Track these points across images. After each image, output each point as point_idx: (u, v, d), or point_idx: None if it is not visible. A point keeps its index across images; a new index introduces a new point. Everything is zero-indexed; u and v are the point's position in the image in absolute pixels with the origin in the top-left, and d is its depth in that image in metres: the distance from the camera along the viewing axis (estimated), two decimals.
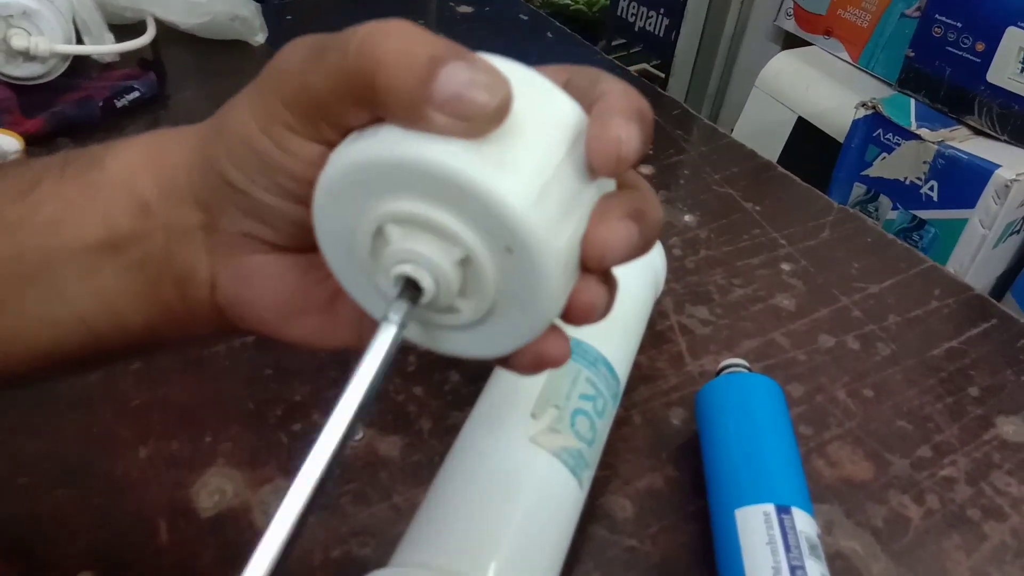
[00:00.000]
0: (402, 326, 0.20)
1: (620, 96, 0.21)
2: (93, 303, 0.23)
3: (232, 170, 0.22)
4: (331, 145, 0.21)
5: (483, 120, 0.18)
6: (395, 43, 0.19)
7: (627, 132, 0.20)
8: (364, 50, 0.19)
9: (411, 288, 0.20)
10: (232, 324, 0.25)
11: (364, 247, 0.21)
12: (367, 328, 0.23)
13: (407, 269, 0.20)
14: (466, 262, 0.20)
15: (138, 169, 0.23)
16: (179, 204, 0.23)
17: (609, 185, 0.22)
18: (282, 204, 0.22)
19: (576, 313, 0.22)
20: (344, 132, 0.20)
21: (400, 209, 0.19)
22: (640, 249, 0.21)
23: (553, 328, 0.22)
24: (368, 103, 0.19)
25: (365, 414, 0.19)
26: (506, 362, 0.23)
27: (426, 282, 0.20)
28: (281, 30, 0.72)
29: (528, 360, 0.22)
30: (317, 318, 0.24)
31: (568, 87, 0.21)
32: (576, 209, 0.20)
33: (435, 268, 0.20)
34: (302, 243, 0.23)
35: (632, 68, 1.64)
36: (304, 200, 0.21)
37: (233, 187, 0.22)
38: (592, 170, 0.20)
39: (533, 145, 0.20)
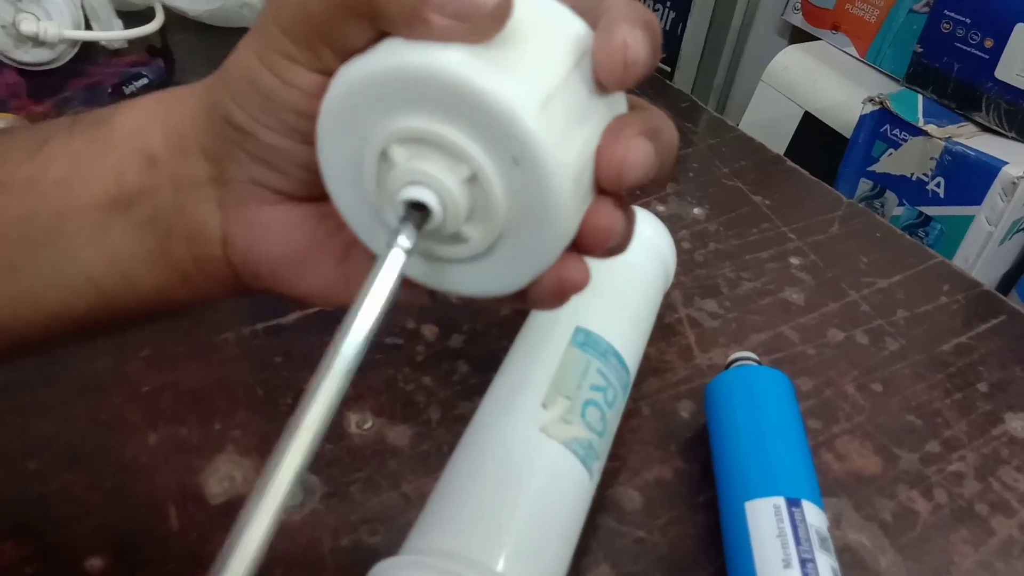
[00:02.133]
0: (408, 251, 0.19)
1: (624, 5, 0.20)
2: (103, 263, 0.23)
3: (236, 110, 0.21)
4: (333, 74, 0.20)
5: (484, 20, 0.18)
6: None
7: (633, 37, 0.19)
8: None
9: (417, 213, 0.19)
10: (244, 282, 0.24)
11: (370, 174, 0.20)
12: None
13: (411, 192, 0.19)
14: (473, 181, 0.19)
15: (146, 124, 0.23)
16: (186, 155, 0.23)
17: (621, 106, 0.21)
18: (289, 144, 0.21)
19: (592, 237, 0.21)
20: (345, 57, 0.20)
21: (403, 126, 0.19)
22: (657, 169, 0.20)
23: (569, 252, 0.21)
24: (367, 14, 0.19)
25: (369, 342, 0.18)
26: (525, 298, 0.22)
27: (432, 203, 0.19)
28: None
29: (549, 288, 0.21)
30: (331, 271, 0.24)
31: (574, 8, 0.21)
32: (586, 123, 0.20)
33: (441, 188, 0.19)
34: (312, 191, 0.22)
35: None
36: (311, 139, 0.21)
37: (239, 129, 0.21)
38: (600, 83, 0.20)
39: (538, 54, 0.19)
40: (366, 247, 0.23)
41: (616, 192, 0.21)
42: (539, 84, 0.18)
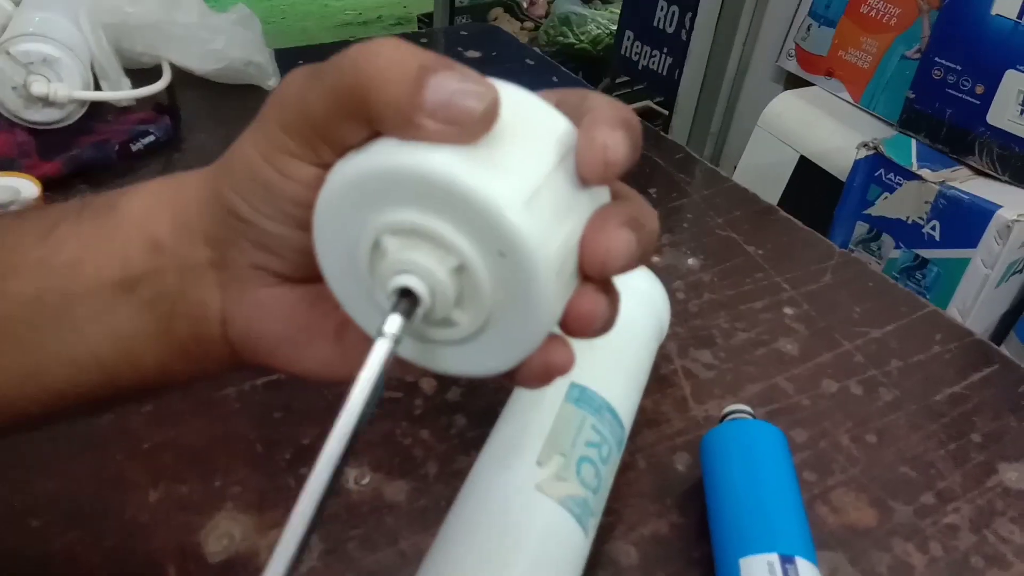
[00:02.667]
0: (397, 340, 0.20)
1: (606, 107, 0.21)
2: (108, 343, 0.24)
3: (238, 201, 0.22)
4: (329, 167, 0.21)
5: (473, 124, 0.19)
6: (386, 57, 0.20)
7: (613, 139, 0.20)
8: (357, 65, 0.20)
9: (407, 301, 0.20)
10: (243, 359, 0.25)
11: (363, 262, 0.21)
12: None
13: (402, 280, 0.20)
14: (461, 270, 0.20)
15: (152, 210, 0.24)
16: (190, 241, 0.24)
17: (604, 197, 0.22)
18: (287, 231, 0.22)
19: (576, 322, 0.22)
20: (342, 153, 0.21)
21: (395, 219, 0.20)
22: (639, 258, 0.21)
23: (555, 336, 0.22)
24: (363, 117, 0.20)
25: (361, 432, 0.19)
26: (513, 377, 0.23)
27: (421, 291, 0.20)
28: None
29: (535, 371, 0.23)
30: (326, 349, 0.25)
31: (559, 107, 0.22)
32: (569, 215, 0.21)
33: (431, 277, 0.20)
34: (309, 273, 0.23)
35: (636, 105, 1.67)
36: (307, 226, 0.22)
37: (240, 218, 0.22)
38: (583, 178, 0.21)
39: (523, 152, 0.20)
40: (360, 327, 0.24)
41: (599, 280, 0.22)
42: (524, 181, 0.20)
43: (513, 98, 0.21)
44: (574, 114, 0.22)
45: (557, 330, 0.22)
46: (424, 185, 0.19)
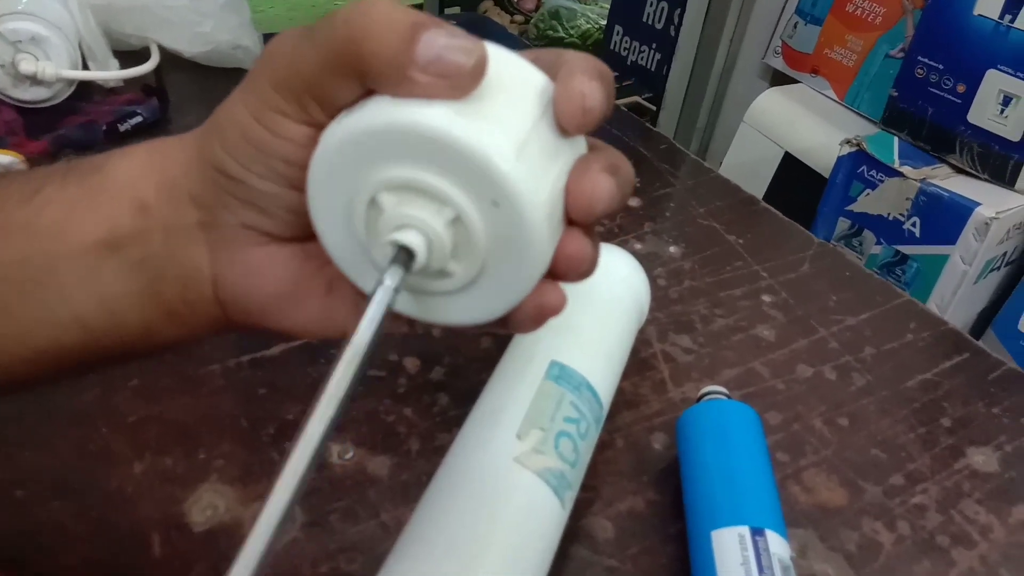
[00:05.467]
0: (396, 290, 0.21)
1: (580, 60, 0.23)
2: (92, 304, 0.24)
3: (228, 160, 0.23)
4: (321, 127, 0.22)
5: (463, 78, 0.20)
6: (378, 13, 0.20)
7: (589, 87, 0.21)
8: (351, 22, 0.20)
9: (404, 254, 0.21)
10: (233, 319, 0.26)
11: (359, 220, 0.22)
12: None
13: (399, 236, 0.21)
14: (457, 221, 0.21)
15: (138, 172, 0.24)
16: (177, 202, 0.24)
17: (582, 148, 0.24)
18: (278, 190, 0.23)
19: (565, 264, 0.23)
20: (333, 112, 0.22)
21: (391, 175, 0.21)
22: (620, 200, 0.23)
23: (546, 279, 0.23)
24: (355, 73, 0.21)
25: (359, 384, 0.20)
26: (507, 323, 0.24)
27: (419, 246, 0.21)
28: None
29: (529, 314, 0.24)
30: (317, 306, 0.25)
31: (535, 63, 0.23)
32: (555, 163, 0.22)
33: (428, 229, 0.21)
34: (299, 231, 0.24)
35: (625, 100, 1.68)
36: (299, 185, 0.22)
37: (230, 177, 0.23)
38: (563, 127, 0.22)
39: (509, 106, 0.21)
40: (352, 283, 0.24)
41: (585, 223, 0.23)
42: (513, 133, 0.21)
43: (496, 56, 0.22)
44: (550, 70, 0.23)
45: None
46: (419, 140, 0.20)
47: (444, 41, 0.20)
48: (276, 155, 0.22)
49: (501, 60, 0.22)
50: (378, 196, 0.21)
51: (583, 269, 0.23)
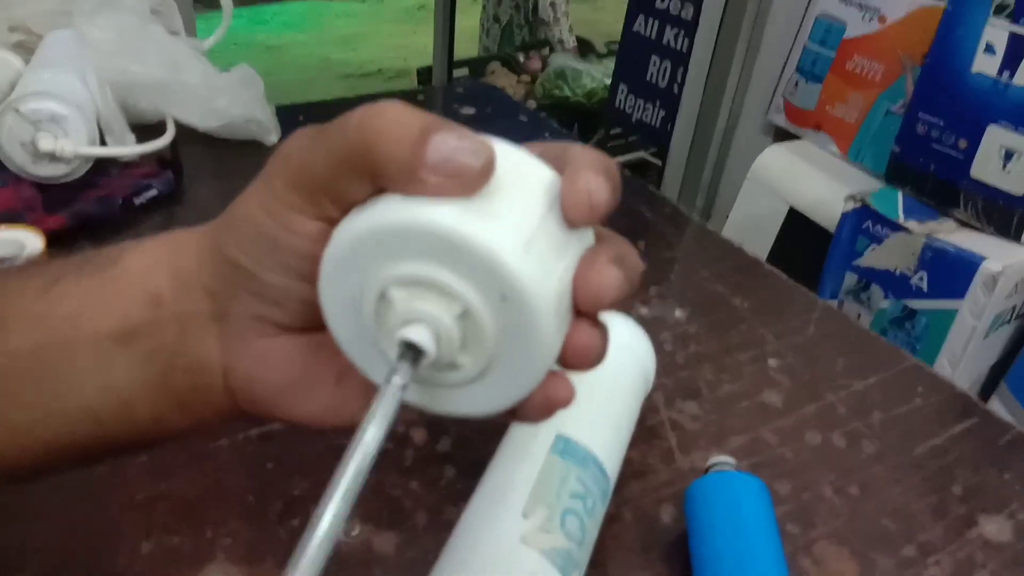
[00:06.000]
0: (403, 387, 0.21)
1: (587, 155, 0.23)
2: (103, 395, 0.25)
3: (240, 254, 0.23)
4: (333, 222, 0.23)
5: (472, 178, 0.21)
6: (390, 117, 0.21)
7: (595, 183, 0.22)
8: (364, 125, 0.21)
9: (413, 352, 0.22)
10: (243, 408, 0.26)
11: (369, 313, 0.22)
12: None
13: (408, 333, 0.21)
14: (465, 315, 0.22)
15: (152, 265, 0.25)
16: (190, 294, 0.25)
17: (589, 240, 0.24)
18: (289, 283, 0.24)
19: (574, 356, 0.23)
20: (345, 208, 0.22)
21: (402, 272, 0.21)
22: (628, 290, 0.23)
23: (553, 372, 0.24)
24: (367, 174, 0.21)
25: (366, 479, 0.20)
26: (515, 413, 0.24)
27: (428, 343, 0.21)
28: (294, 130, 0.76)
29: (537, 406, 0.24)
30: (327, 395, 0.26)
31: (542, 157, 0.24)
32: (562, 256, 0.22)
33: (437, 323, 0.21)
34: (310, 323, 0.24)
35: (630, 156, 1.70)
36: (310, 277, 0.23)
37: (242, 270, 0.24)
38: (570, 221, 0.23)
39: (517, 202, 0.22)
40: (363, 375, 0.25)
41: (593, 314, 0.24)
42: (520, 229, 0.21)
43: (504, 152, 0.23)
44: (557, 164, 0.23)
45: (555, 366, 0.24)
46: (429, 239, 0.21)
47: (454, 143, 0.21)
48: (289, 250, 0.23)
49: (509, 156, 0.23)
50: (388, 291, 0.22)
51: (591, 359, 0.24)
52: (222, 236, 0.24)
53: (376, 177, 0.21)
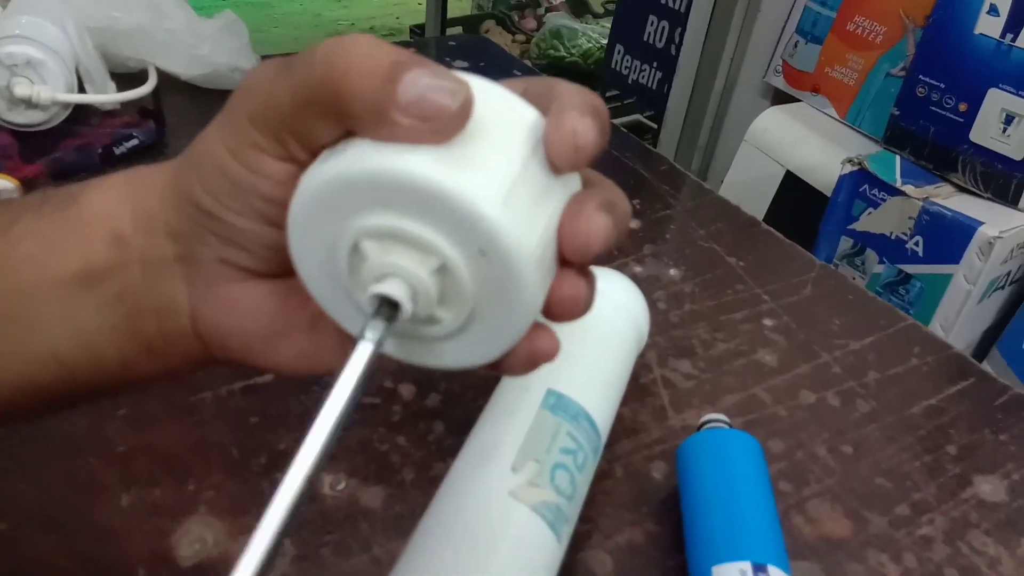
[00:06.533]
0: (378, 344, 0.20)
1: (573, 93, 0.22)
2: (68, 339, 0.24)
3: (204, 196, 0.22)
4: (300, 164, 0.21)
5: (447, 121, 0.19)
6: (359, 51, 0.19)
7: (582, 124, 0.20)
8: (329, 59, 0.19)
9: (388, 306, 0.20)
10: (214, 355, 0.25)
11: (342, 265, 0.21)
12: (351, 348, 0.24)
13: (382, 288, 0.20)
14: (443, 269, 0.20)
15: (115, 204, 0.24)
16: (154, 236, 0.23)
17: (576, 184, 0.23)
18: (256, 227, 0.22)
19: (559, 307, 0.22)
20: (312, 150, 0.21)
21: (374, 223, 0.20)
22: (616, 237, 0.22)
23: (537, 324, 0.23)
24: (334, 112, 0.20)
25: (339, 437, 0.19)
26: (498, 367, 0.23)
27: (403, 297, 0.20)
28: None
29: (521, 359, 0.23)
30: (300, 342, 0.24)
31: (525, 96, 0.22)
32: (546, 205, 0.21)
33: (413, 278, 0.20)
34: (279, 267, 0.23)
35: (626, 119, 1.68)
36: (277, 222, 0.22)
37: (206, 213, 0.22)
38: (554, 165, 0.21)
39: (497, 148, 0.20)
40: (338, 325, 0.23)
41: (580, 263, 0.22)
42: (501, 177, 0.20)
43: (483, 92, 0.21)
44: (541, 103, 0.22)
45: (540, 317, 0.23)
46: (402, 189, 0.19)
47: (427, 82, 0.19)
48: (253, 192, 0.22)
49: (489, 97, 0.21)
50: (361, 243, 0.20)
51: (577, 311, 0.23)
52: (185, 175, 0.22)
53: (343, 117, 0.20)
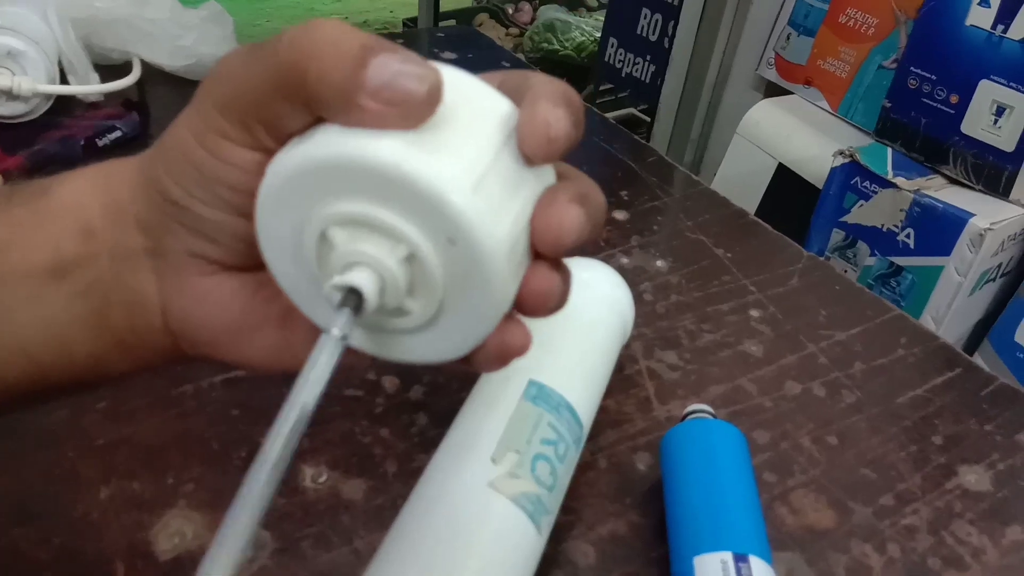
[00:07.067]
0: (343, 336, 0.20)
1: (546, 84, 0.21)
2: (37, 333, 0.23)
3: (172, 186, 0.22)
4: (269, 152, 0.21)
5: (416, 106, 0.19)
6: (326, 36, 0.19)
7: (555, 115, 0.20)
8: (296, 44, 0.19)
9: (354, 297, 0.20)
10: (184, 350, 0.25)
11: (310, 254, 0.21)
12: None
13: (349, 278, 0.20)
14: (412, 259, 0.20)
15: (84, 195, 0.23)
16: (123, 227, 0.23)
17: (549, 178, 0.22)
18: (224, 218, 0.22)
19: (530, 301, 0.22)
20: (280, 138, 0.21)
21: (341, 210, 0.19)
22: (590, 232, 0.21)
23: (510, 317, 0.22)
24: (302, 98, 0.19)
25: (303, 431, 0.19)
26: (469, 361, 0.23)
27: (369, 288, 0.20)
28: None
29: (492, 354, 0.23)
30: (271, 337, 0.24)
31: (501, 88, 0.22)
32: (517, 196, 0.21)
33: (381, 267, 0.20)
34: (249, 260, 0.23)
35: (619, 112, 1.67)
36: (246, 212, 0.21)
37: (174, 204, 0.22)
38: (527, 156, 0.21)
39: (467, 136, 0.20)
40: (308, 318, 0.23)
41: (553, 256, 0.22)
42: (471, 165, 0.19)
43: (455, 81, 0.21)
44: (516, 95, 0.21)
45: (512, 311, 0.22)
46: (370, 175, 0.19)
47: (396, 67, 0.19)
48: (220, 181, 0.21)
49: (461, 85, 0.21)
50: (328, 231, 0.20)
51: (551, 305, 0.22)
52: (154, 166, 0.22)
53: (311, 103, 0.19)
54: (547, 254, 0.22)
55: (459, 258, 0.20)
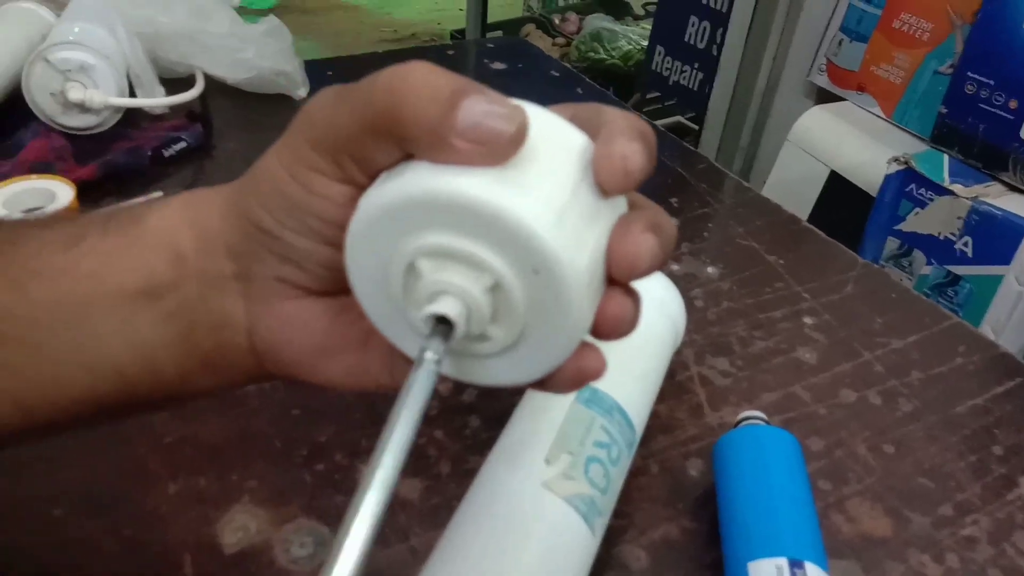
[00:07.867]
0: (438, 363, 0.21)
1: (621, 119, 0.22)
2: (128, 352, 0.25)
3: (264, 215, 0.23)
4: (358, 186, 0.22)
5: (503, 145, 0.20)
6: (419, 79, 0.20)
7: (630, 149, 0.21)
8: (391, 86, 0.20)
9: (443, 324, 0.21)
10: (267, 370, 0.26)
11: (397, 284, 0.22)
12: (398, 366, 0.24)
13: (438, 307, 0.21)
14: (496, 288, 0.21)
15: (176, 223, 0.25)
16: (213, 254, 0.24)
17: (622, 207, 0.23)
18: (313, 246, 0.23)
19: (606, 326, 0.23)
20: (371, 173, 0.22)
21: (430, 242, 0.20)
22: (662, 259, 0.22)
23: (585, 343, 0.23)
24: (394, 137, 0.21)
25: (409, 450, 0.19)
26: (545, 384, 0.24)
27: (458, 316, 0.21)
28: (322, 85, 0.75)
29: (568, 378, 0.23)
30: (351, 359, 0.25)
31: (574, 121, 0.23)
32: (595, 226, 0.21)
33: (466, 296, 0.21)
34: (333, 286, 0.24)
35: (666, 120, 1.67)
36: (334, 242, 0.22)
37: (265, 232, 0.23)
38: (604, 189, 0.22)
39: (549, 171, 0.21)
40: (392, 344, 0.24)
41: (626, 283, 0.23)
42: (553, 199, 0.20)
43: (534, 116, 0.21)
44: (589, 127, 0.22)
45: (588, 336, 0.23)
46: (458, 209, 0.20)
47: (485, 108, 0.20)
48: (311, 212, 0.22)
49: (541, 122, 0.22)
50: (416, 262, 0.21)
51: (624, 329, 0.23)
52: (245, 196, 0.24)
53: (403, 142, 0.21)
54: (622, 280, 0.22)
55: (541, 287, 0.21)
